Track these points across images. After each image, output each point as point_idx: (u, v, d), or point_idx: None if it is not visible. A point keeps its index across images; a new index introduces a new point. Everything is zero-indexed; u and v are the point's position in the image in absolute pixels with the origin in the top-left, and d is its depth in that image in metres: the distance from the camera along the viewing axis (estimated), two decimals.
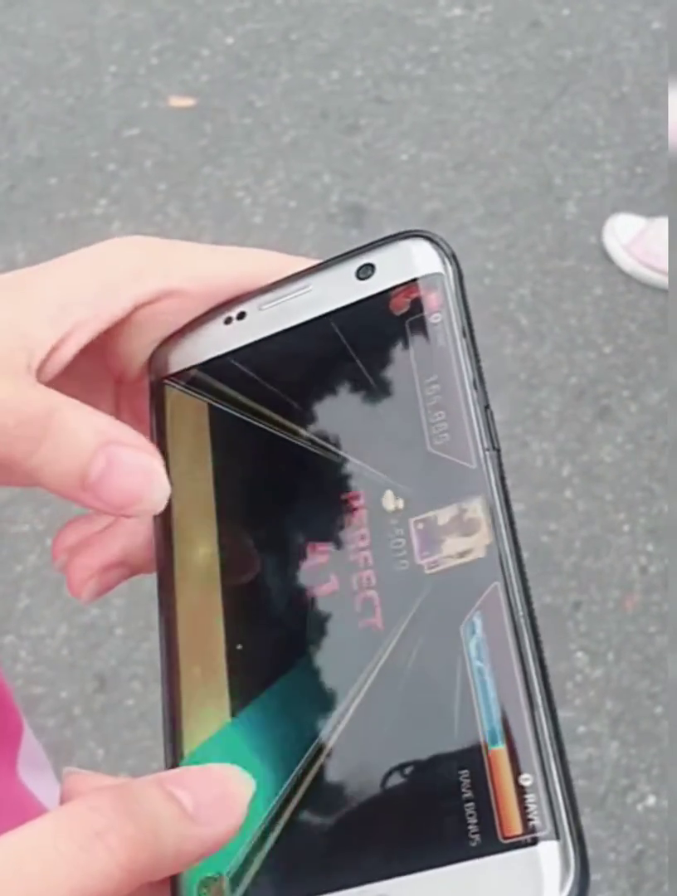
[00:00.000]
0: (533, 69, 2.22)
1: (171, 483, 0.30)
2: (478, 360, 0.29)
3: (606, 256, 1.93)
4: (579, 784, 1.44)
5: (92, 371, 0.32)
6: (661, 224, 1.91)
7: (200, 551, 0.30)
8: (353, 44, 2.28)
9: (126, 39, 2.36)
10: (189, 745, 0.28)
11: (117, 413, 0.35)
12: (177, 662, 0.29)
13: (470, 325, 0.30)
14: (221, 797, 0.25)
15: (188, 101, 2.22)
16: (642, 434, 1.75)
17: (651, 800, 1.43)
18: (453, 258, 0.30)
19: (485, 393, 0.29)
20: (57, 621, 1.56)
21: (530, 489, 1.67)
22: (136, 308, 0.31)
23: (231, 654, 0.29)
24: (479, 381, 0.29)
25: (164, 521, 0.31)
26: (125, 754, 1.44)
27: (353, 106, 2.18)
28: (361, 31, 2.30)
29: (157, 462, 0.28)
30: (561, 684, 1.50)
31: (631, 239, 1.91)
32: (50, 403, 0.28)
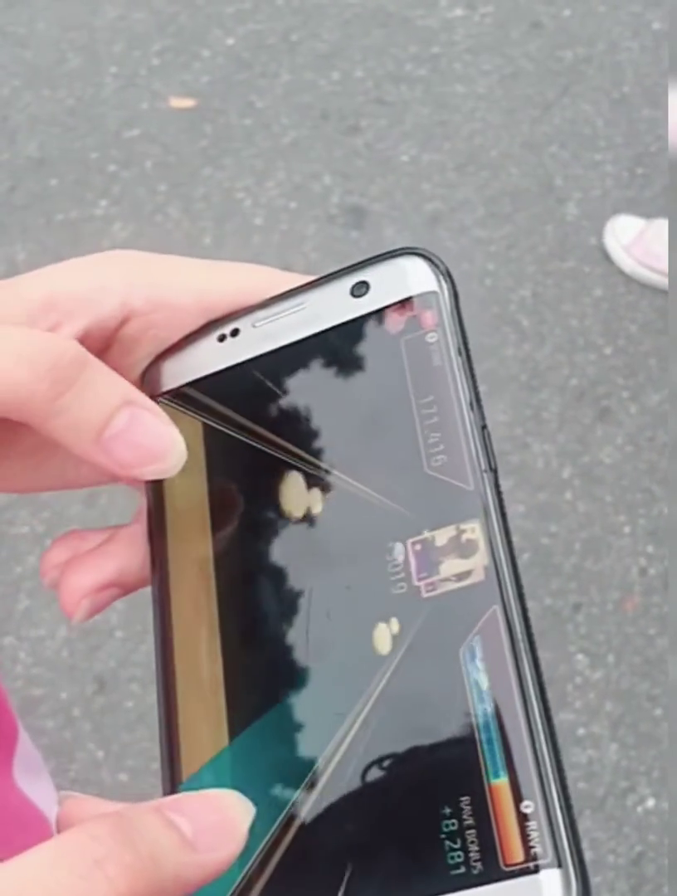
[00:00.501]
0: (534, 70, 2.22)
1: (165, 505, 0.30)
2: (474, 380, 0.29)
3: (607, 257, 1.93)
4: (579, 786, 1.44)
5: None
6: (661, 225, 1.91)
7: (195, 572, 0.30)
8: (354, 44, 2.28)
9: (127, 40, 2.36)
10: (187, 769, 0.28)
11: None
12: (174, 685, 0.29)
13: (465, 343, 0.29)
14: (221, 823, 0.25)
15: (188, 102, 2.22)
16: (642, 435, 1.74)
17: (650, 802, 1.43)
18: (448, 276, 0.30)
19: (481, 413, 0.28)
20: (56, 623, 1.55)
21: (530, 491, 1.67)
22: (127, 319, 0.31)
23: (228, 678, 0.28)
24: (476, 400, 0.29)
25: (160, 541, 0.31)
26: (124, 755, 1.44)
27: (354, 107, 2.18)
28: (362, 32, 2.30)
29: (175, 430, 0.28)
30: (561, 686, 1.50)
31: (631, 240, 1.90)
32: (85, 355, 0.28)
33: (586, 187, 2.04)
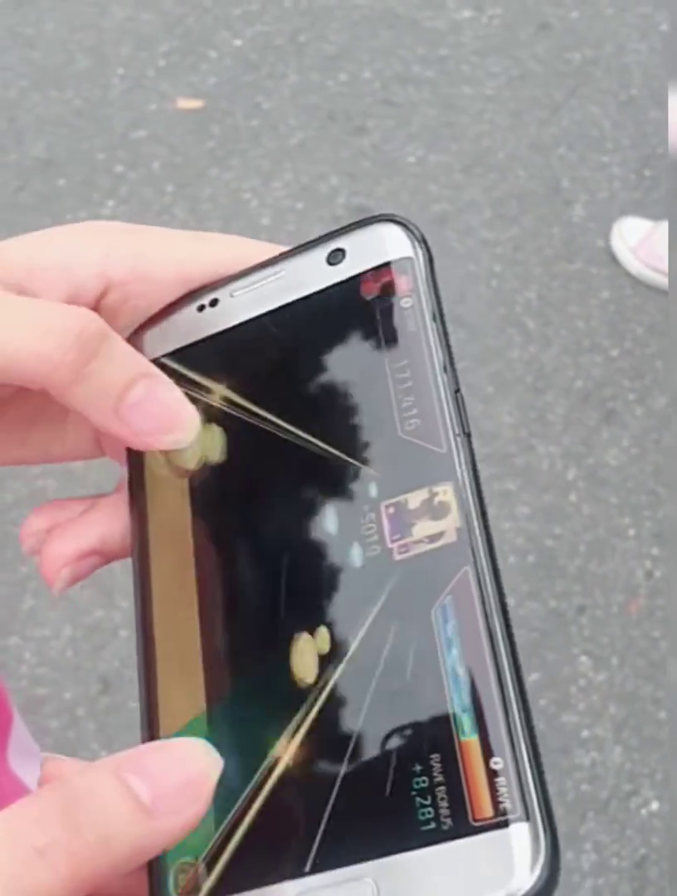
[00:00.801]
0: (542, 72, 2.22)
1: (146, 471, 0.30)
2: (448, 344, 0.29)
3: (613, 259, 1.93)
4: (582, 788, 1.43)
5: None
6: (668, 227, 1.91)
7: (175, 539, 0.30)
8: (362, 46, 2.28)
9: (134, 42, 2.36)
10: (164, 733, 0.29)
11: None
12: (153, 651, 0.30)
13: (440, 309, 0.30)
14: (184, 783, 0.25)
15: (196, 103, 2.23)
16: (648, 438, 1.74)
17: (654, 805, 1.43)
18: (423, 242, 0.30)
19: (455, 377, 0.29)
20: (61, 623, 1.56)
21: (535, 492, 1.67)
22: (107, 289, 0.31)
23: (206, 642, 0.29)
24: (450, 365, 0.29)
25: (140, 509, 0.31)
26: None
27: (361, 108, 2.18)
28: (370, 34, 2.30)
29: (190, 405, 0.29)
30: (564, 688, 1.50)
31: (638, 242, 1.90)
32: (105, 327, 0.29)
33: (593, 189, 2.04)
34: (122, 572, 1.54)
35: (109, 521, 0.31)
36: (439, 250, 2.01)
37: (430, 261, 0.30)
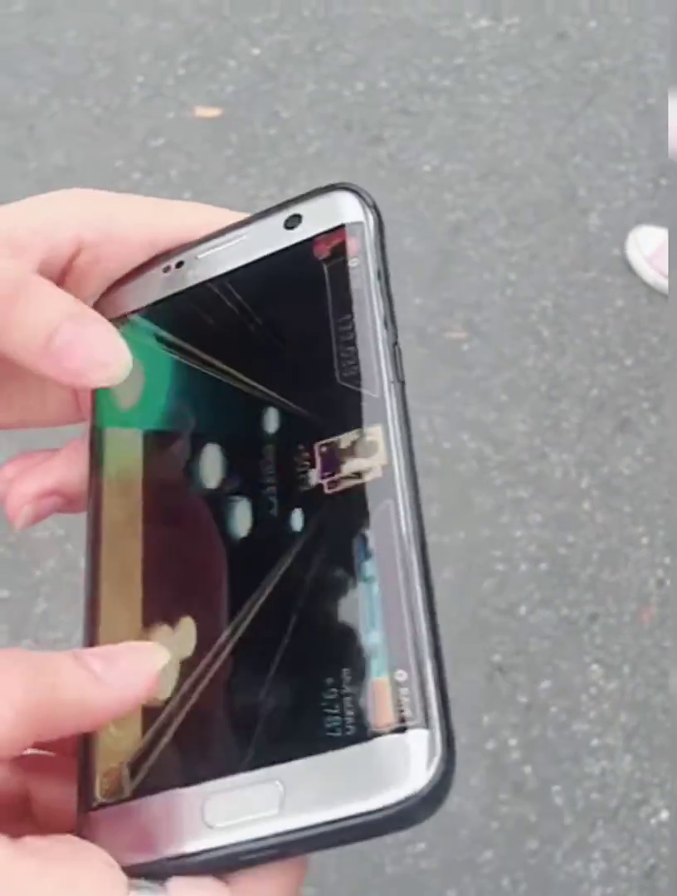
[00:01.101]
0: (559, 81, 2.22)
1: (105, 416, 0.32)
2: (390, 302, 0.31)
3: (629, 268, 1.93)
4: (592, 797, 1.43)
5: None
6: None
7: (125, 474, 0.32)
8: (379, 55, 2.29)
9: (154, 50, 2.38)
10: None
11: None
12: (98, 579, 0.31)
13: (385, 269, 0.31)
14: (133, 663, 0.27)
15: (214, 112, 2.24)
16: (662, 447, 1.74)
17: (664, 814, 1.42)
18: (374, 208, 0.32)
19: (394, 331, 0.31)
20: (74, 626, 1.56)
21: (548, 500, 1.67)
22: (79, 251, 0.32)
23: (147, 565, 0.31)
24: (390, 320, 0.31)
25: (97, 452, 0.33)
26: None
27: (378, 117, 2.18)
28: (387, 43, 2.31)
29: (120, 340, 0.30)
30: (575, 697, 1.50)
31: (653, 251, 1.90)
32: (25, 272, 0.30)
33: (609, 198, 2.04)
34: None
35: (68, 466, 0.33)
36: (455, 259, 2.02)
37: (380, 225, 0.32)
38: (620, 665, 1.53)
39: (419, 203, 2.04)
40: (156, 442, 0.32)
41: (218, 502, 0.31)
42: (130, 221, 0.33)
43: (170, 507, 0.31)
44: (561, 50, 2.27)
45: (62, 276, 0.33)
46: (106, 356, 0.30)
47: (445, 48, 2.28)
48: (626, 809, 1.42)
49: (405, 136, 2.15)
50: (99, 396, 0.33)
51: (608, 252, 1.96)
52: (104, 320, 0.30)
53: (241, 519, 0.30)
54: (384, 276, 0.31)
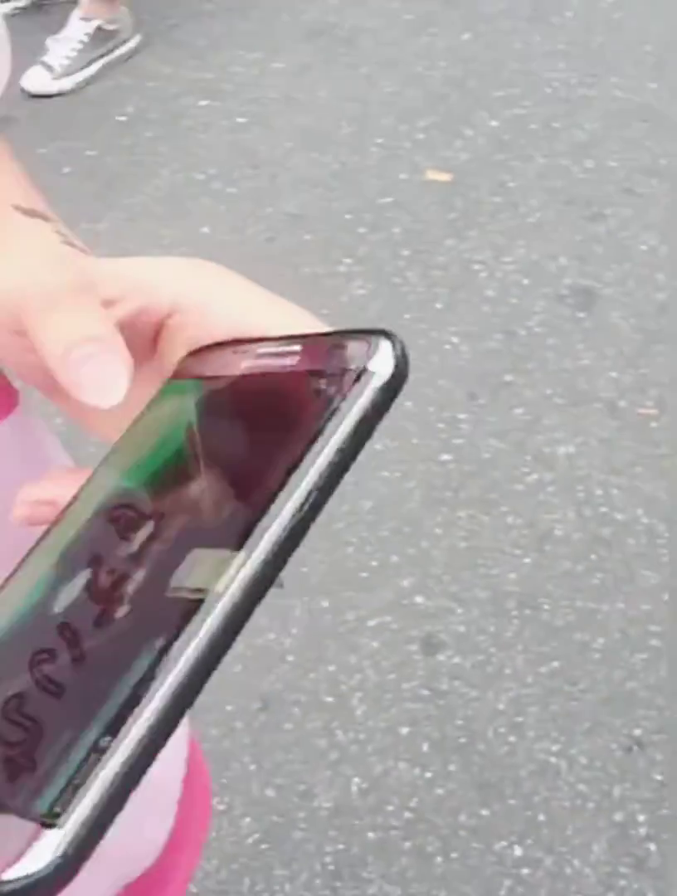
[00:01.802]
0: None
1: (112, 454, 0.36)
2: (346, 455, 0.31)
3: None
4: None
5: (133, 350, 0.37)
6: None
7: (74, 509, 0.36)
8: (613, 136, 2.33)
9: (397, 114, 2.49)
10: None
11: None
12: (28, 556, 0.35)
13: (369, 424, 0.32)
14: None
15: (445, 176, 2.33)
16: None
17: None
18: (400, 365, 0.33)
19: (328, 481, 0.31)
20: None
21: None
22: (174, 313, 0.37)
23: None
24: (332, 470, 0.31)
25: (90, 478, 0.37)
26: (275, 773, 1.51)
27: (602, 195, 2.23)
28: (622, 124, 2.35)
29: (124, 378, 0.34)
30: None
31: None
32: (84, 288, 0.35)
33: None
34: (301, 606, 1.61)
35: (70, 484, 0.36)
36: (657, 337, 2.02)
37: (394, 383, 0.33)
38: None
39: (630, 281, 2.07)
40: (114, 491, 0.35)
41: (74, 566, 0.33)
42: (224, 309, 0.36)
43: (59, 551, 0.34)
44: None
45: (156, 330, 0.37)
46: (106, 382, 0.33)
47: None
48: None
49: (626, 215, 2.18)
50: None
51: None
52: (121, 351, 0.34)
53: (78, 586, 0.32)
54: (360, 430, 0.32)
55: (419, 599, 1.68)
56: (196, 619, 0.28)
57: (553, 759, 1.50)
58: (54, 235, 0.40)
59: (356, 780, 1.50)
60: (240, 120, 2.59)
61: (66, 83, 2.79)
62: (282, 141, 2.50)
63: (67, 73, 2.79)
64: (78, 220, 2.39)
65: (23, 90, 2.76)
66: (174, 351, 0.37)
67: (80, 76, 2.80)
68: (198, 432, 0.35)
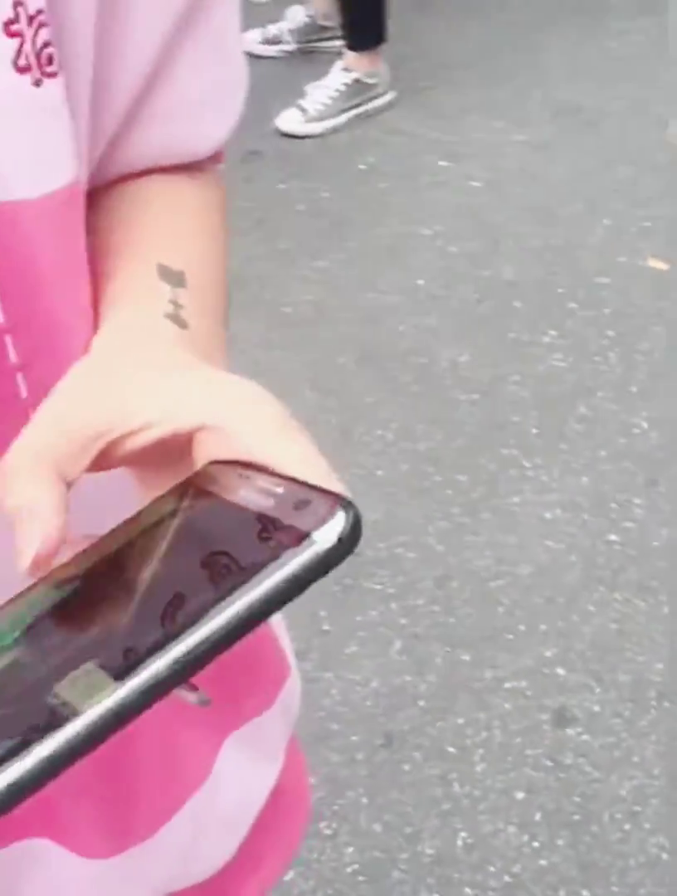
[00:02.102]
0: None
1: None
2: (251, 613, 0.33)
3: None
4: None
5: (162, 457, 0.41)
6: None
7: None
8: None
9: (628, 200, 2.51)
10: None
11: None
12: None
13: (297, 585, 0.33)
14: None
15: (663, 265, 2.33)
16: None
17: None
18: (345, 539, 0.34)
19: (224, 639, 0.32)
20: (372, 674, 1.68)
21: None
22: (201, 429, 0.40)
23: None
24: (250, 614, 0.32)
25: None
26: (386, 810, 1.53)
27: None
28: None
29: (32, 548, 0.37)
30: None
31: None
32: (34, 465, 0.39)
33: None
34: (441, 655, 1.63)
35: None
36: None
37: (335, 554, 0.33)
38: None
39: None
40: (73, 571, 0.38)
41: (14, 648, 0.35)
42: (243, 436, 0.39)
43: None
44: None
45: (188, 441, 0.40)
46: (19, 546, 0.36)
47: None
48: None
49: None
50: None
51: None
52: (39, 524, 0.36)
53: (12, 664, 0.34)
54: (278, 593, 0.33)
55: (559, 671, 1.68)
56: (50, 734, 0.31)
57: (665, 856, 1.47)
58: (165, 322, 0.46)
59: (463, 834, 1.51)
60: (473, 184, 2.65)
61: (317, 127, 2.91)
62: (511, 209, 2.55)
63: (320, 118, 2.92)
64: (301, 255, 2.50)
65: (276, 128, 2.91)
66: (198, 459, 0.40)
67: (331, 123, 2.93)
68: (155, 545, 0.37)
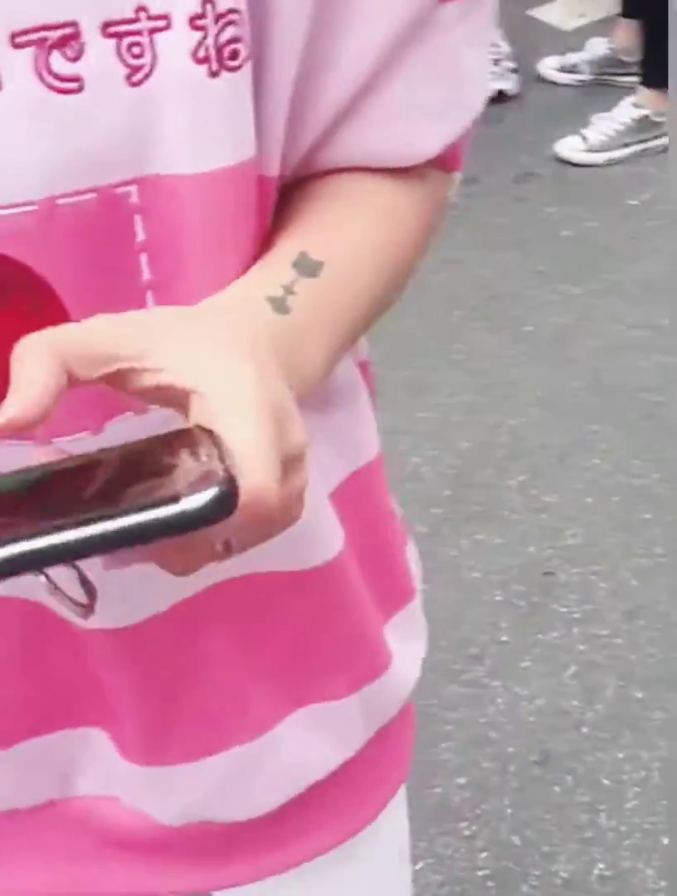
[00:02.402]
0: None
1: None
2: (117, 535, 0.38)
3: None
4: None
5: (174, 403, 0.45)
6: None
7: None
8: None
9: None
10: None
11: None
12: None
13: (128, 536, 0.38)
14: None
15: None
16: None
17: None
18: (198, 509, 0.38)
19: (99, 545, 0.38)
20: (540, 692, 1.68)
21: None
22: (194, 392, 0.43)
23: None
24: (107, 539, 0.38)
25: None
26: (528, 825, 1.53)
27: None
28: None
29: (8, 412, 0.40)
30: None
31: None
32: (23, 353, 0.42)
33: None
34: (613, 688, 1.61)
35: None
36: None
37: (184, 521, 0.38)
38: None
39: None
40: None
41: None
42: (212, 412, 0.42)
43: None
44: None
45: (186, 399, 0.44)
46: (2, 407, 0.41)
47: None
48: None
49: None
50: None
51: None
52: (24, 397, 0.40)
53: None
54: (132, 532, 0.38)
55: None
56: None
57: None
58: (263, 303, 0.50)
59: (600, 865, 1.49)
60: None
61: (596, 157, 2.92)
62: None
63: (601, 148, 2.92)
64: (556, 279, 2.51)
65: (554, 153, 2.93)
66: (190, 419, 0.43)
67: (611, 155, 2.92)
68: (102, 472, 0.41)
